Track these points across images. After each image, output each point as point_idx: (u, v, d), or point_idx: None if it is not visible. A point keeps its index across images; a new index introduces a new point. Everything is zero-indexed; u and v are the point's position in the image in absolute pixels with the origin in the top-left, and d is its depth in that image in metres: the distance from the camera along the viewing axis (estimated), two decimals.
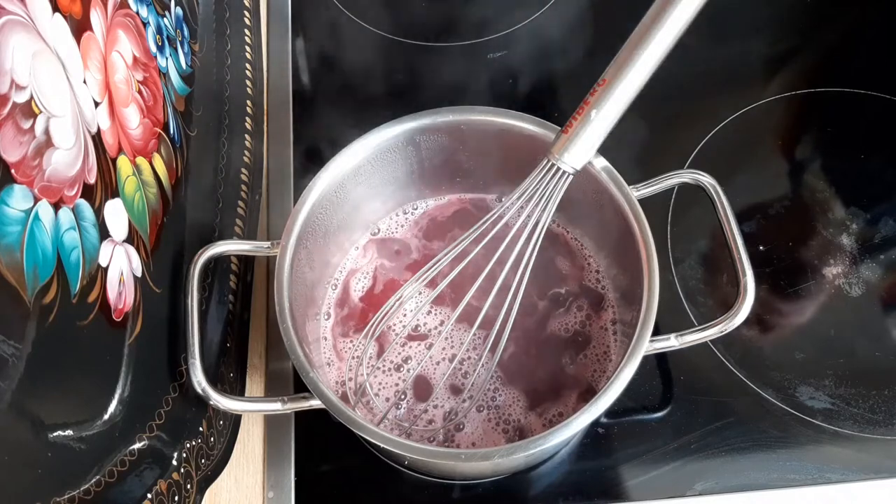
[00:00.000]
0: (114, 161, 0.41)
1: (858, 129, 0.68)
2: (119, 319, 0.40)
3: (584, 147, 0.47)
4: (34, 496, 0.33)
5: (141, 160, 0.44)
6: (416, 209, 0.61)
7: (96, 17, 0.40)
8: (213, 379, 0.51)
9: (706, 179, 0.51)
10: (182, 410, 0.47)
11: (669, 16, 0.43)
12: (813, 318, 0.60)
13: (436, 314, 0.57)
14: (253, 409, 0.52)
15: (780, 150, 0.68)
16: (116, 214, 0.40)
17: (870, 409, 0.56)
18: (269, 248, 0.51)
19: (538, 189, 0.49)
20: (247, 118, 0.66)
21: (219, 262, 0.56)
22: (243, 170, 0.63)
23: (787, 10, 0.77)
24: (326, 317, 0.57)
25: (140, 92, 0.45)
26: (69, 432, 0.35)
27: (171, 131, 0.50)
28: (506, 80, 0.73)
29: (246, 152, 0.64)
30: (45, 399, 0.33)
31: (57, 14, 0.36)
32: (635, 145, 0.65)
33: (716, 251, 0.62)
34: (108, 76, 0.41)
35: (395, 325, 0.56)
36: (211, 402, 0.46)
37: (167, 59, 0.51)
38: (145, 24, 0.47)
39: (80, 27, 0.38)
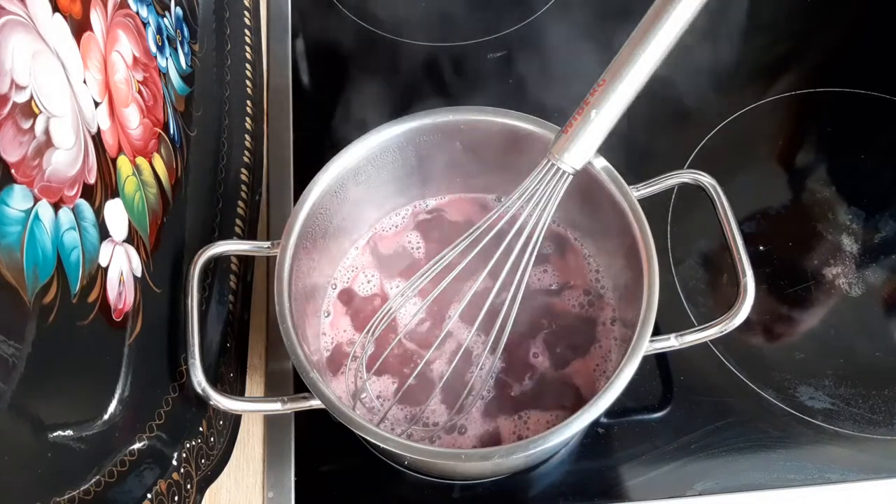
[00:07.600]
0: (114, 161, 0.41)
1: (858, 129, 0.68)
2: (119, 319, 0.40)
3: (584, 147, 0.47)
4: (34, 496, 0.33)
5: (141, 160, 0.45)
6: (416, 209, 0.61)
7: (96, 17, 0.40)
8: (213, 379, 0.51)
9: (706, 179, 0.51)
10: (182, 410, 0.47)
11: (669, 16, 0.43)
12: (813, 319, 0.60)
13: (436, 314, 0.57)
14: (253, 409, 0.52)
15: (780, 151, 0.68)
16: (116, 214, 0.40)
17: (870, 409, 0.56)
18: (269, 248, 0.51)
19: (538, 189, 0.49)
20: (247, 118, 0.66)
21: (219, 262, 0.56)
22: (243, 170, 0.63)
23: (787, 10, 0.76)
24: (326, 315, 0.57)
25: (140, 92, 0.45)
26: (69, 432, 0.35)
27: (171, 131, 0.50)
28: (506, 80, 0.73)
29: (246, 152, 0.64)
30: (45, 399, 0.33)
31: (57, 14, 0.36)
32: (636, 145, 0.65)
33: (716, 251, 0.62)
34: (108, 76, 0.41)
35: (395, 324, 0.56)
36: (211, 402, 0.46)
37: (167, 59, 0.51)
38: (145, 24, 0.47)
39: (80, 27, 0.38)
